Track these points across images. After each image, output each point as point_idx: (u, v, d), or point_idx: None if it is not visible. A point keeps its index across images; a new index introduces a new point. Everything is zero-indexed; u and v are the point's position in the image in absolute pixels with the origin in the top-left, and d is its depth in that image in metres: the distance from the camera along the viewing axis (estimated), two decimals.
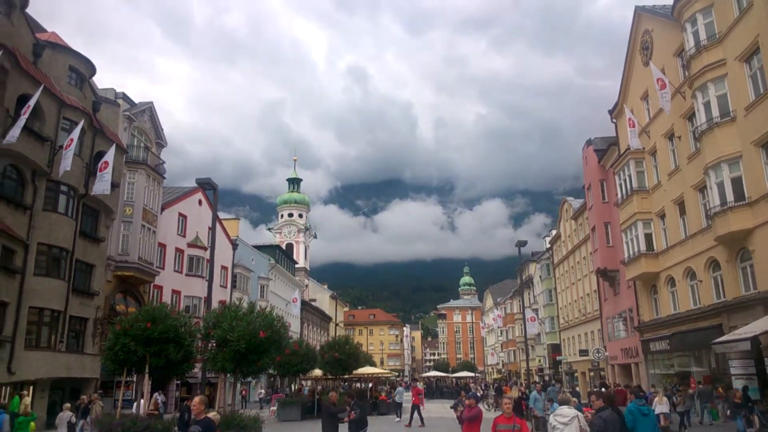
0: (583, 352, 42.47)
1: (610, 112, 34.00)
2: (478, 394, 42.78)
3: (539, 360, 62.49)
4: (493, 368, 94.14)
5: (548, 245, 58.67)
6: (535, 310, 58.66)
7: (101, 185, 25.89)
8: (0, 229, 21.68)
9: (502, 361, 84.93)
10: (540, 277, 60.93)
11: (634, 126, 28.17)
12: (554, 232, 56.93)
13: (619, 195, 31.38)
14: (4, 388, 23.00)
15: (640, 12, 29.25)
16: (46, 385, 24.97)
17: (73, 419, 19.20)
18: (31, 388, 24.14)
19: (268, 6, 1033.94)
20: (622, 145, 31.78)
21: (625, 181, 30.65)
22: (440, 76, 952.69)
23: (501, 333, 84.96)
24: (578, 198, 47.96)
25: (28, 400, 21.69)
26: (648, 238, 28.86)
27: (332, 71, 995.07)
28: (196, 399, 7.89)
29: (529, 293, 65.37)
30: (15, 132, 21.07)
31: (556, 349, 55.14)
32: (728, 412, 17.81)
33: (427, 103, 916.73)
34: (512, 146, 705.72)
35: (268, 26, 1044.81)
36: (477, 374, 74.00)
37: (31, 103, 21.42)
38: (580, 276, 45.69)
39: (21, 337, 23.35)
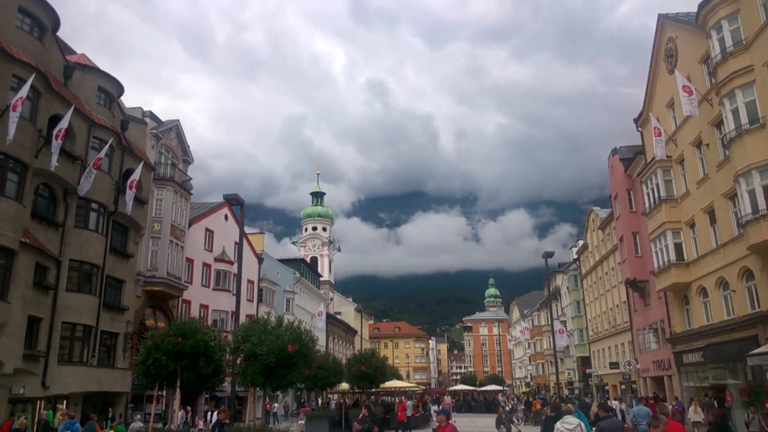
0: (614, 365, 41.73)
1: (636, 120, 33.64)
2: (504, 410, 42.25)
3: (568, 373, 61.57)
4: (521, 381, 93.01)
5: (575, 256, 57.99)
6: (563, 322, 57.88)
7: (127, 203, 27.56)
8: (33, 246, 22.20)
9: (531, 374, 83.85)
10: (567, 288, 60.19)
11: (660, 134, 27.81)
12: (581, 242, 56.30)
13: (647, 204, 30.95)
14: (39, 401, 23.47)
15: (663, 20, 29.00)
16: (79, 399, 25.38)
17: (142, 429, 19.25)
18: (65, 401, 24.59)
19: (287, 22, 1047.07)
20: (649, 153, 31.40)
21: (652, 190, 30.23)
22: (460, 87, 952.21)
23: (528, 345, 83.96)
24: (605, 207, 47.39)
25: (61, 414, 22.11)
26: (678, 247, 28.38)
27: (352, 85, 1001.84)
28: None
29: (556, 305, 64.60)
30: (53, 160, 21.78)
31: (585, 361, 54.29)
32: None
33: (447, 115, 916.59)
34: (535, 156, 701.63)
35: (288, 42, 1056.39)
36: (505, 387, 73.17)
37: (64, 125, 21.98)
38: (608, 287, 45.04)
39: (55, 351, 23.82)
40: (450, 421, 10.48)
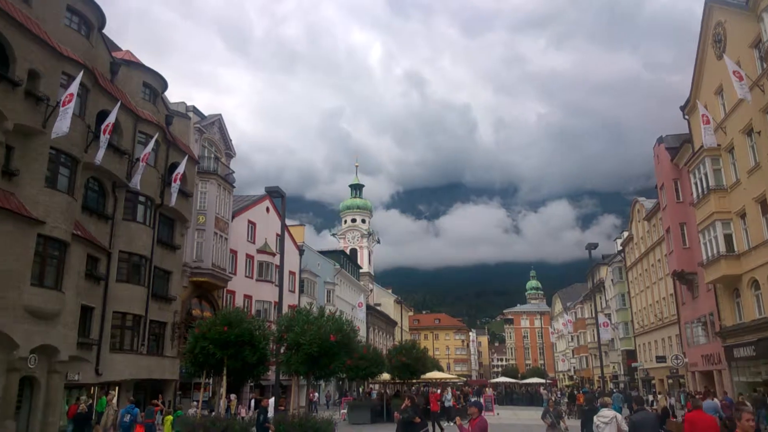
0: (661, 359, 40.87)
1: (682, 108, 32.71)
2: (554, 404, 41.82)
3: (613, 366, 60.52)
4: (564, 375, 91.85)
5: (620, 247, 56.84)
6: (608, 315, 56.83)
7: (171, 195, 28.14)
8: (85, 238, 22.94)
9: (574, 368, 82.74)
10: (612, 280, 59.08)
11: (708, 122, 26.94)
12: (626, 233, 55.12)
13: (695, 194, 30.08)
14: (93, 387, 24.38)
15: (711, 3, 28.04)
16: (131, 386, 26.24)
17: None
18: (117, 388, 25.46)
19: (324, 15, 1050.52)
20: (696, 142, 30.49)
21: (700, 179, 29.35)
22: (499, 76, 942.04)
23: (572, 339, 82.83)
24: (650, 198, 46.25)
25: (114, 398, 22.95)
26: (728, 238, 27.50)
27: (389, 77, 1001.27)
28: None
29: (600, 297, 63.46)
30: (100, 154, 22.42)
31: (631, 355, 53.24)
32: None
33: (486, 105, 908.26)
34: (577, 146, 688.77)
35: (325, 35, 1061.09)
36: (548, 380, 72.38)
37: (111, 120, 22.58)
38: (655, 279, 44.02)
39: (106, 340, 24.68)
40: (482, 414, 10.41)
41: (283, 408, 18.41)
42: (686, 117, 32.59)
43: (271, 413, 17.26)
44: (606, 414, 10.76)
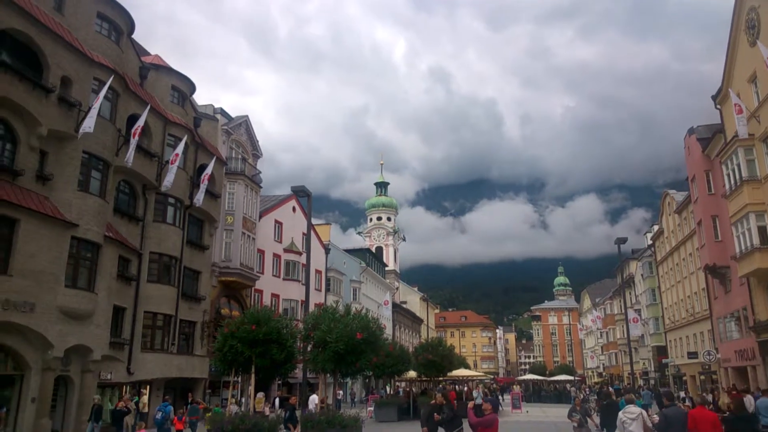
0: (692, 355, 40.12)
1: (714, 97, 32.00)
2: (581, 401, 41.39)
3: (643, 363, 59.61)
4: (593, 372, 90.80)
5: (650, 242, 55.94)
6: (638, 311, 56.00)
7: (198, 196, 28.41)
8: (116, 239, 23.41)
9: (603, 365, 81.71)
10: (642, 275, 58.17)
11: (741, 111, 26.33)
12: (656, 227, 54.22)
13: (728, 186, 29.44)
14: (125, 386, 24.90)
15: None
16: (161, 385, 26.72)
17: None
18: (148, 387, 25.94)
19: (347, 13, 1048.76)
20: (729, 132, 29.82)
21: (733, 170, 28.71)
22: (525, 70, 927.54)
23: (601, 335, 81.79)
24: (681, 190, 45.39)
25: (146, 398, 23.42)
26: (762, 231, 26.85)
27: (413, 73, 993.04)
28: None
29: (630, 293, 62.52)
30: (130, 155, 22.78)
31: (661, 351, 52.36)
32: None
33: (512, 99, 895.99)
34: (605, 139, 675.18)
35: (349, 34, 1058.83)
36: (576, 377, 71.63)
37: (140, 123, 22.98)
38: (686, 273, 43.21)
39: (138, 339, 25.19)
40: (495, 413, 10.57)
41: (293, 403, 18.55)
42: (718, 107, 31.91)
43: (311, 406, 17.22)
44: (632, 410, 10.70)
